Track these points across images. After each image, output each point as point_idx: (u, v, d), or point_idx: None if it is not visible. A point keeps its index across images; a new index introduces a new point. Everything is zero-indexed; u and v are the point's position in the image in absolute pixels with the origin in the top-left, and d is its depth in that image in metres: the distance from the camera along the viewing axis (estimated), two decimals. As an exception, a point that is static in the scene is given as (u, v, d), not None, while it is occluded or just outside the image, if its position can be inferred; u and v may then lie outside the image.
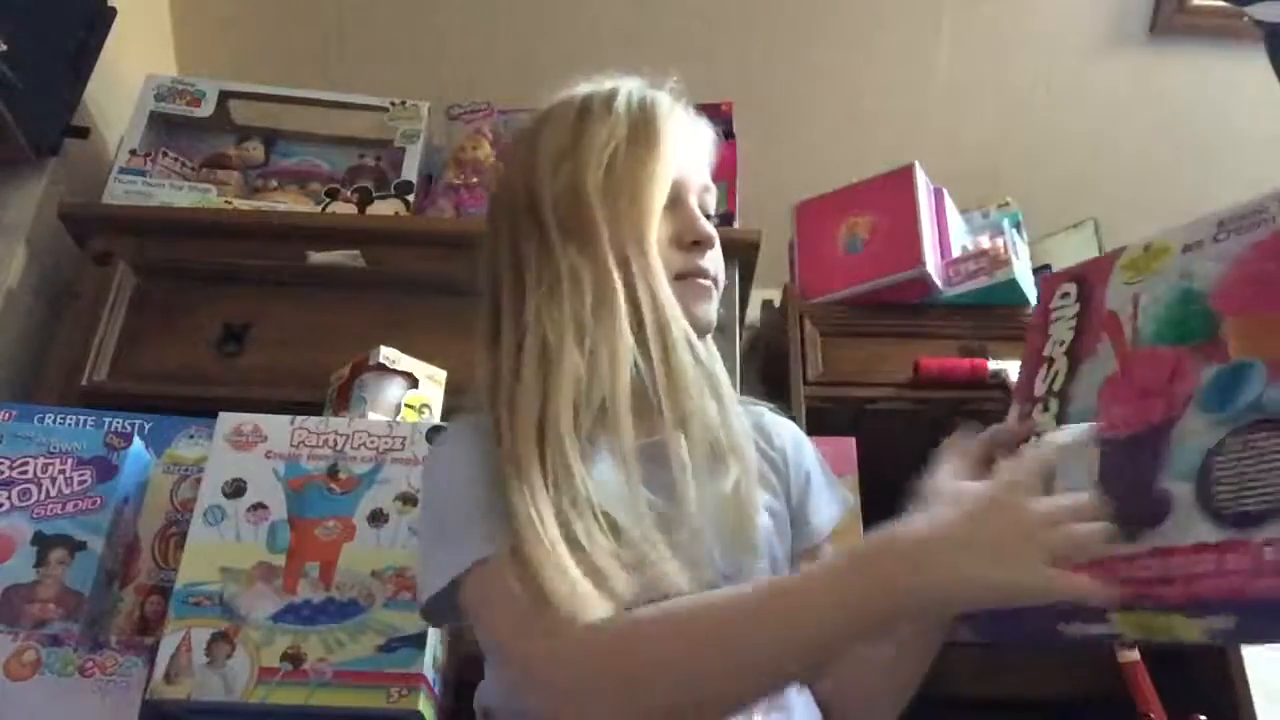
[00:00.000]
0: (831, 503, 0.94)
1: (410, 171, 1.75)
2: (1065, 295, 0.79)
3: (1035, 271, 1.80)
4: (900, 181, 1.72)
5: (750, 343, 1.87)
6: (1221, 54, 2.19)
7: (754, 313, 1.88)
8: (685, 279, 0.90)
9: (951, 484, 0.71)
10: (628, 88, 0.95)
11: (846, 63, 2.24)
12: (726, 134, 1.80)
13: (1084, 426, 0.71)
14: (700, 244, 0.91)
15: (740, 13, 2.18)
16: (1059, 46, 2.23)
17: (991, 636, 0.70)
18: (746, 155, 1.78)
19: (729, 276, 1.55)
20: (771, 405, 0.99)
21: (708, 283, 0.92)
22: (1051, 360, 0.77)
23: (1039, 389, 0.76)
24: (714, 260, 0.93)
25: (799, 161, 2.14)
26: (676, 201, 0.91)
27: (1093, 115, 2.29)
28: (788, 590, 0.71)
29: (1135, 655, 1.32)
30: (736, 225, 1.67)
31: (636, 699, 0.68)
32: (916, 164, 1.73)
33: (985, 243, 1.71)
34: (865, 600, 0.65)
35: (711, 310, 0.92)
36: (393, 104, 1.82)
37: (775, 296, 1.83)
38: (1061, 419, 0.73)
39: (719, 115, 1.81)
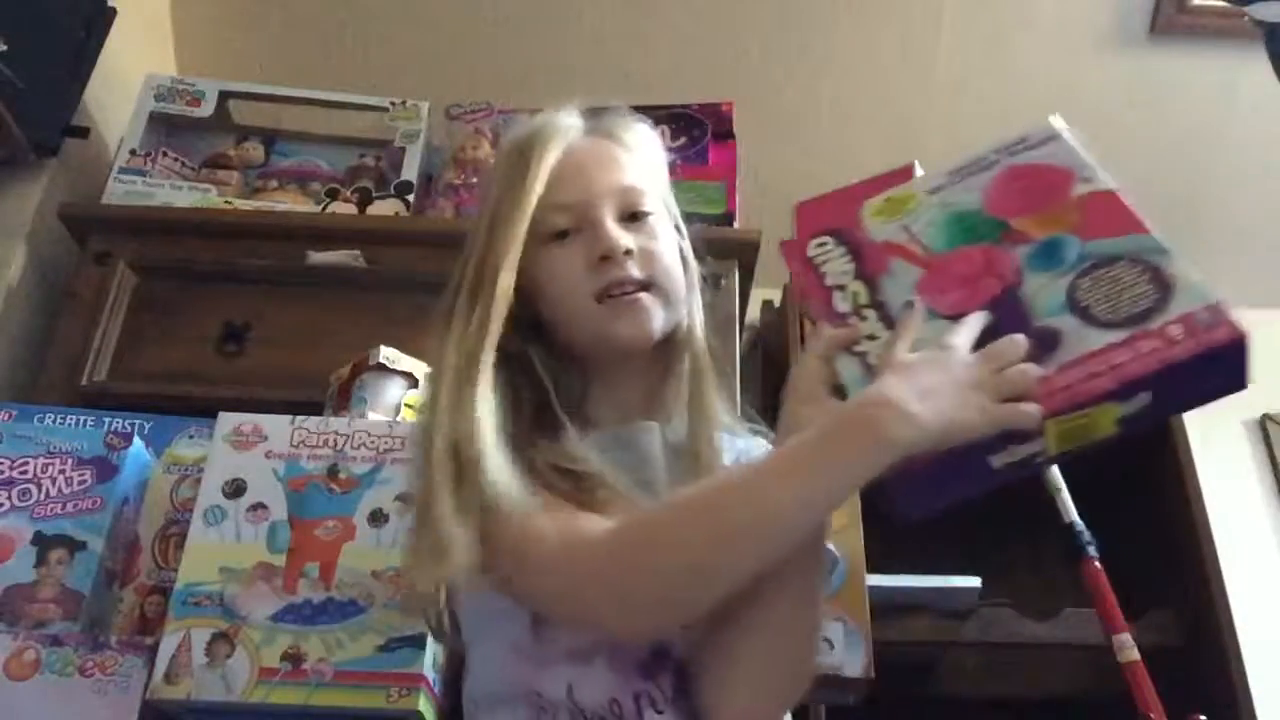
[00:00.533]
0: None
1: (410, 171, 1.75)
2: (822, 245, 0.86)
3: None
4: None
5: (750, 343, 1.87)
6: (1221, 54, 2.19)
7: (754, 313, 1.88)
8: (604, 300, 0.90)
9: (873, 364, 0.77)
10: (515, 132, 1.02)
11: (846, 62, 2.24)
12: (726, 134, 1.80)
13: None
14: (608, 258, 0.90)
15: (740, 12, 2.18)
16: (1059, 46, 2.23)
17: (919, 507, 0.74)
18: (746, 155, 1.78)
19: (728, 276, 1.55)
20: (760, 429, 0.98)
21: (632, 295, 0.90)
22: (840, 287, 0.82)
23: (842, 307, 0.81)
24: (641, 265, 0.91)
25: (799, 161, 2.14)
26: (583, 222, 0.92)
27: (1093, 115, 2.28)
28: (763, 468, 0.77)
29: (1135, 655, 1.32)
30: (736, 225, 1.67)
31: (655, 580, 0.75)
32: (916, 164, 1.73)
33: (985, 243, 1.70)
34: (839, 464, 0.72)
35: (642, 323, 0.90)
36: (393, 104, 1.82)
37: (775, 296, 1.83)
38: (886, 319, 0.79)
39: (719, 115, 1.81)
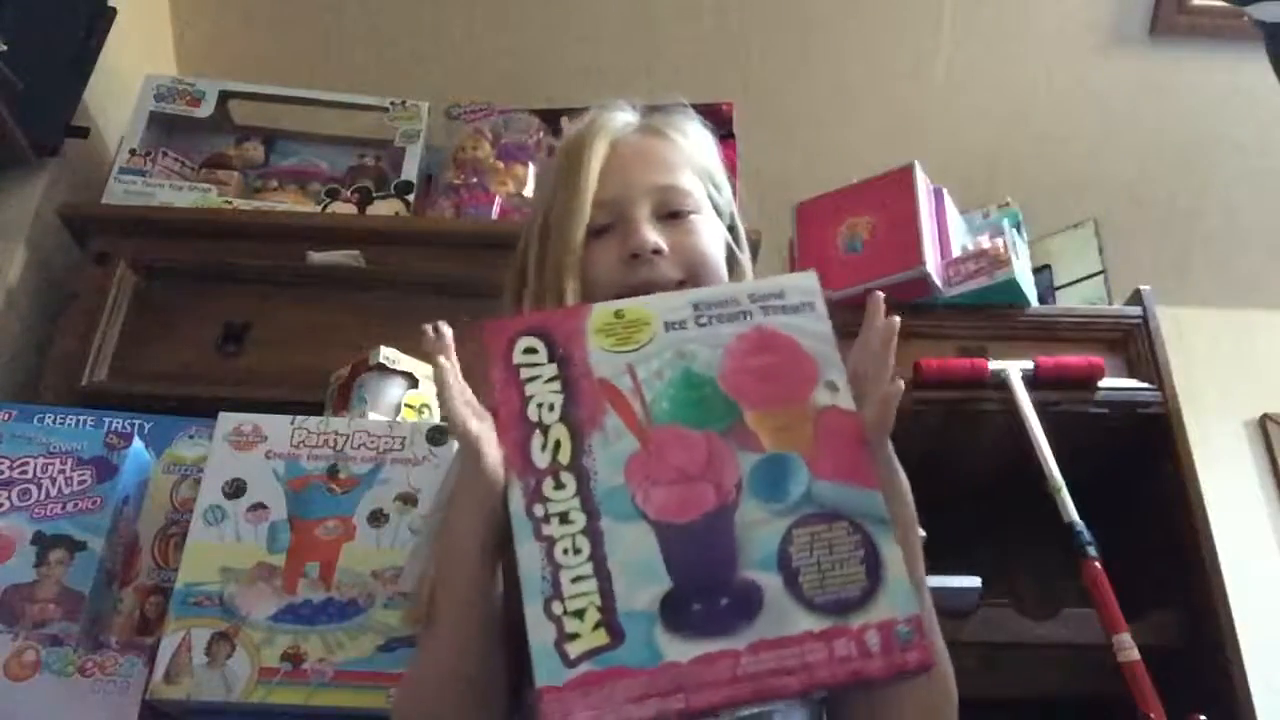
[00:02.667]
0: None
1: (410, 171, 1.75)
2: (531, 350, 0.76)
3: (1035, 272, 1.80)
4: (900, 181, 1.72)
5: (750, 343, 1.87)
6: (1221, 54, 2.20)
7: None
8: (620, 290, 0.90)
9: None
10: (570, 129, 1.03)
11: (847, 63, 2.24)
12: (726, 134, 1.80)
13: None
14: (639, 256, 0.91)
15: (740, 13, 2.19)
16: (1059, 46, 2.23)
17: None
18: (746, 155, 1.78)
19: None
20: None
21: (658, 279, 0.91)
22: (544, 426, 0.74)
23: (540, 460, 0.73)
24: (675, 263, 0.92)
25: (799, 161, 2.14)
26: (618, 219, 0.93)
27: (1093, 115, 2.29)
28: None
29: (1135, 655, 1.32)
30: (736, 225, 1.67)
31: None
32: (916, 164, 1.73)
33: (985, 243, 1.70)
34: None
35: None
36: (393, 104, 1.82)
37: (775, 296, 1.83)
38: (586, 498, 0.71)
39: (719, 115, 1.81)
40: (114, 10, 1.70)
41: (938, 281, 1.65)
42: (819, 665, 0.67)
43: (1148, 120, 2.29)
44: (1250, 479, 2.29)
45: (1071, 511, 1.43)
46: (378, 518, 1.12)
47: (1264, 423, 2.34)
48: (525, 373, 0.76)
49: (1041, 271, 1.86)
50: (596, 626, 0.68)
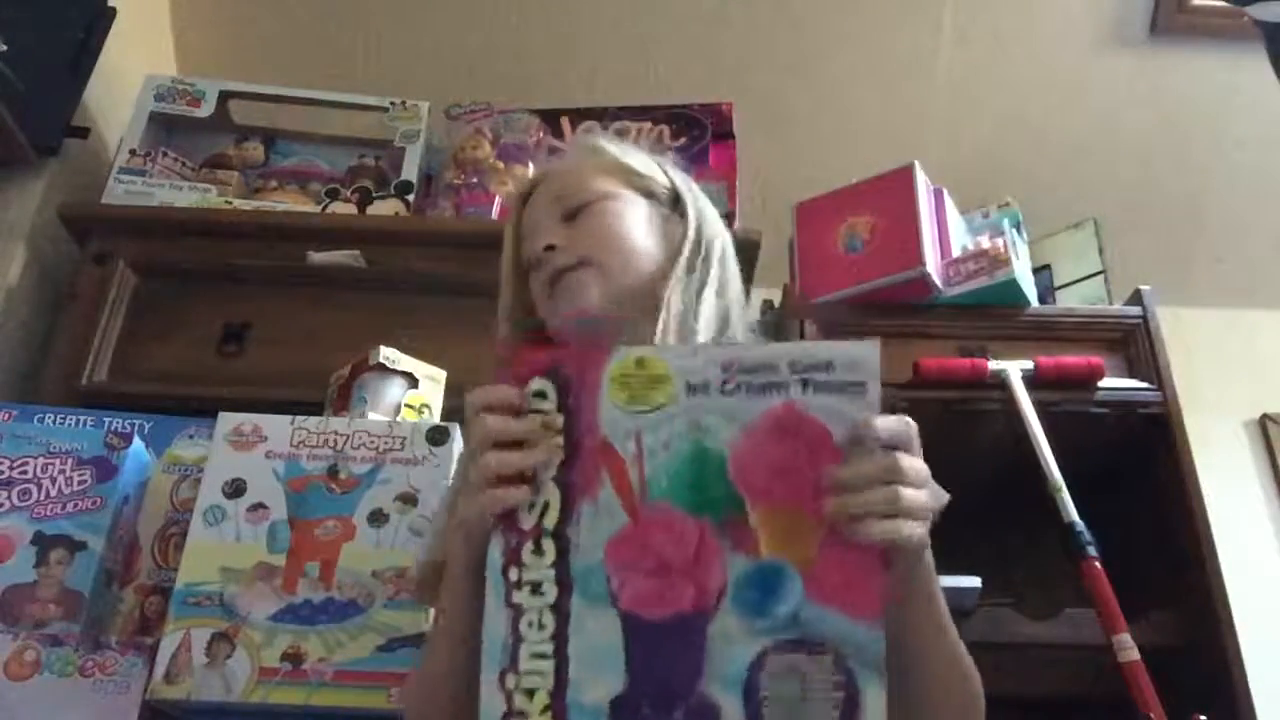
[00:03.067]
0: None
1: (410, 171, 1.75)
2: (541, 396, 0.71)
3: (1035, 272, 1.80)
4: (900, 181, 1.72)
5: (750, 343, 1.87)
6: (1221, 54, 2.19)
7: (754, 313, 1.87)
8: (550, 296, 0.97)
9: None
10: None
11: (847, 63, 2.24)
12: (726, 134, 1.80)
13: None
14: (536, 266, 0.98)
15: (740, 13, 2.18)
16: (1059, 46, 2.23)
17: None
18: (746, 155, 1.78)
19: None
20: None
21: (559, 278, 0.96)
22: (538, 483, 0.69)
23: (525, 521, 0.69)
24: (572, 249, 0.96)
25: (799, 161, 2.14)
26: (532, 249, 1.00)
27: (1093, 115, 2.29)
28: None
29: (1135, 655, 1.32)
30: (736, 225, 1.67)
31: None
32: (916, 164, 1.73)
33: (985, 243, 1.71)
34: None
35: (574, 298, 0.95)
36: (393, 104, 1.82)
37: (775, 296, 1.83)
38: (561, 571, 0.68)
39: (719, 115, 1.81)
40: (114, 10, 1.70)
41: (938, 281, 1.65)
42: None
43: (1148, 120, 2.29)
44: (1250, 479, 2.29)
45: (1071, 511, 1.43)
46: (378, 518, 1.12)
47: (1264, 423, 2.34)
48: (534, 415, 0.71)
49: (1041, 271, 1.86)
50: (544, 710, 0.66)
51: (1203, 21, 2.16)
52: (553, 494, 0.69)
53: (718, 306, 0.97)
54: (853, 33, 2.21)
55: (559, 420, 0.70)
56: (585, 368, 0.71)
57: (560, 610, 0.67)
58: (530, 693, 0.66)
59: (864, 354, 0.70)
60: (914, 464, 0.70)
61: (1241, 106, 2.26)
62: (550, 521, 0.69)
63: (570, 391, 0.71)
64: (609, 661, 0.66)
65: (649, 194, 1.03)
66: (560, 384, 0.71)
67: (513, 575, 0.68)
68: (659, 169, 1.06)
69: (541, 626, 0.67)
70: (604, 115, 1.89)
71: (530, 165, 1.76)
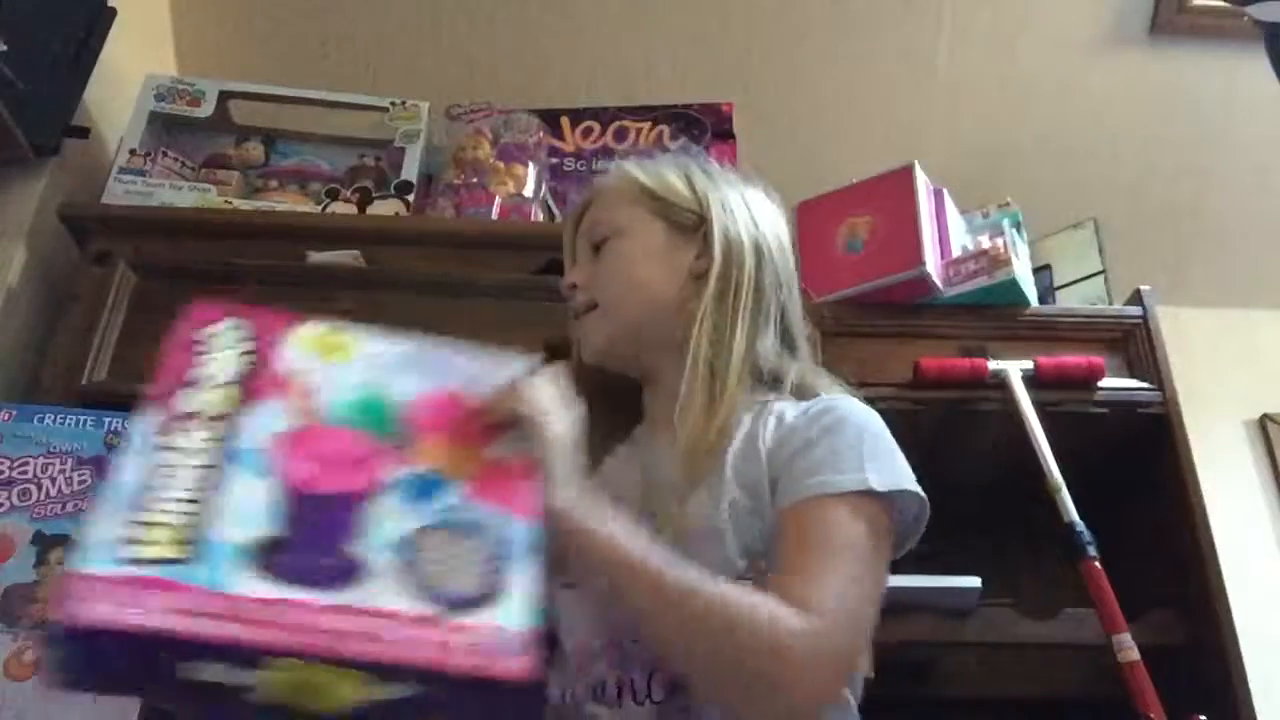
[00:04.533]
0: (805, 477, 0.88)
1: (410, 171, 1.75)
2: (238, 329, 0.79)
3: (1035, 272, 1.80)
4: (900, 181, 1.72)
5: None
6: (1221, 54, 2.19)
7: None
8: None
9: None
10: None
11: (847, 63, 2.24)
12: (726, 134, 1.80)
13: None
14: (565, 296, 1.04)
15: (741, 12, 2.18)
16: (1059, 46, 2.23)
17: (67, 670, 0.63)
18: (746, 155, 1.78)
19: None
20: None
21: (579, 318, 1.02)
22: (215, 383, 0.75)
23: (188, 406, 0.73)
24: (587, 291, 1.02)
25: (799, 161, 2.14)
26: None
27: (1093, 115, 2.29)
28: None
29: (1135, 655, 1.32)
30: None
31: None
32: (916, 164, 1.73)
33: (985, 243, 1.71)
34: None
35: (584, 337, 1.02)
36: (393, 104, 1.82)
37: (775, 296, 1.83)
38: (221, 443, 0.71)
39: (719, 115, 1.81)
40: (114, 10, 1.70)
41: (938, 281, 1.65)
42: (398, 643, 0.64)
43: (1148, 120, 2.29)
44: (1250, 479, 2.29)
45: (1071, 511, 1.43)
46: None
47: (1264, 423, 2.34)
48: (216, 343, 0.79)
49: (1041, 271, 1.86)
50: (172, 542, 0.65)
51: (1203, 21, 2.16)
52: (231, 393, 0.75)
53: (753, 350, 0.97)
54: (853, 33, 2.21)
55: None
56: (274, 321, 0.80)
57: (210, 472, 0.69)
58: (152, 526, 0.66)
59: (516, 371, 0.83)
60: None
61: (1241, 106, 2.25)
62: (218, 409, 0.73)
63: (257, 335, 0.79)
64: (254, 516, 0.68)
65: (667, 216, 1.03)
66: (249, 331, 0.80)
67: (163, 441, 0.71)
68: (683, 187, 1.04)
69: (185, 481, 0.69)
70: (604, 115, 1.89)
71: (530, 166, 1.76)
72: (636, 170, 1.07)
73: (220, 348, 0.78)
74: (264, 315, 0.81)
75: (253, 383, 0.75)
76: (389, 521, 0.70)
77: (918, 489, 0.89)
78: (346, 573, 0.67)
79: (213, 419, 0.72)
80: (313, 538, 0.68)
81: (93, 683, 0.68)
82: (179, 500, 0.67)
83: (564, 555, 0.79)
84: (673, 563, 0.79)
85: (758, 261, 1.01)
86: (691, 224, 1.02)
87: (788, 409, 0.94)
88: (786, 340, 1.02)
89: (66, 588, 0.61)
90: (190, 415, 0.72)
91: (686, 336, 0.96)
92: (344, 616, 0.64)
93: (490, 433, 0.79)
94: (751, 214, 1.04)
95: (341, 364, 0.79)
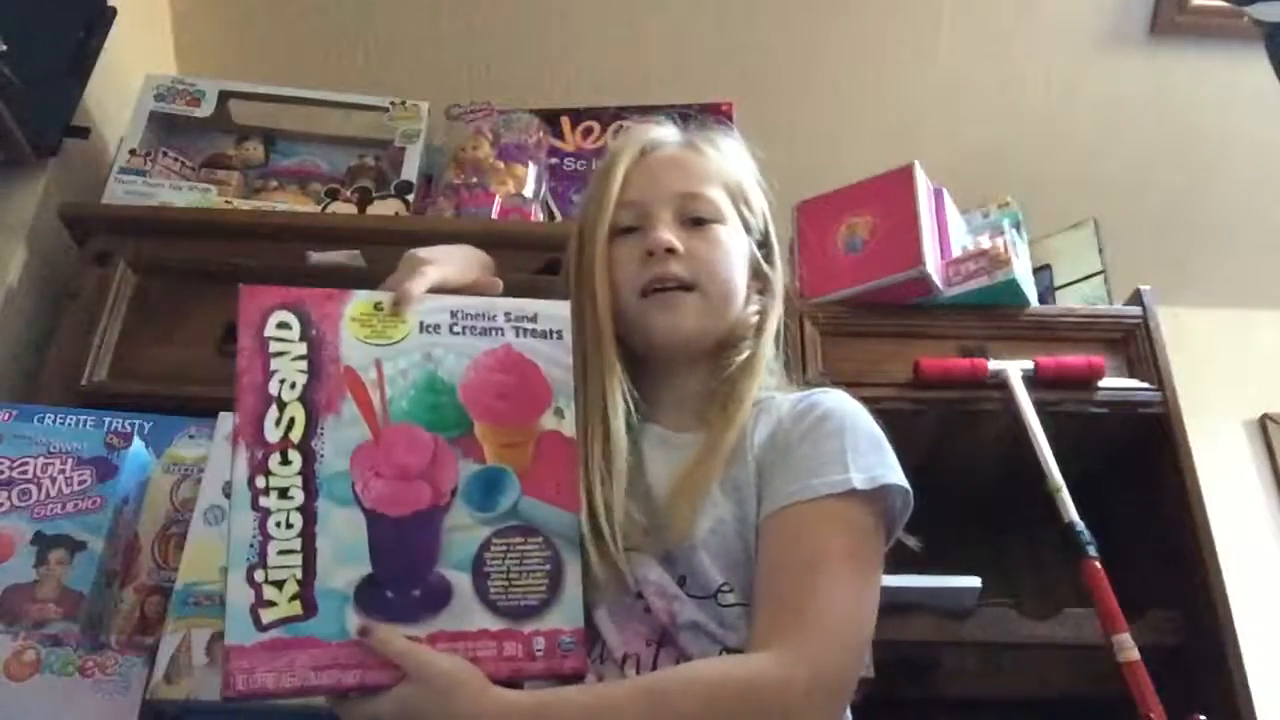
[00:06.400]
0: (785, 485, 0.87)
1: (410, 171, 1.75)
2: (284, 326, 0.80)
3: (1035, 272, 1.80)
4: (900, 181, 1.72)
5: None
6: (1221, 54, 2.20)
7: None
8: (647, 295, 0.96)
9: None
10: (614, 142, 1.13)
11: (847, 62, 2.24)
12: (726, 134, 1.80)
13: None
14: (653, 254, 0.96)
15: (741, 12, 2.18)
16: (1059, 46, 2.23)
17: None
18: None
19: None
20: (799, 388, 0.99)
21: (671, 291, 0.96)
22: (281, 402, 0.78)
23: (272, 434, 0.77)
24: (687, 265, 0.96)
25: (799, 161, 2.14)
26: (643, 220, 0.99)
27: (1093, 115, 2.29)
28: None
29: (1135, 655, 1.32)
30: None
31: None
32: (916, 164, 1.73)
33: (985, 243, 1.70)
34: None
35: (676, 319, 0.96)
36: (393, 104, 1.82)
37: (775, 296, 1.83)
38: (308, 477, 0.77)
39: (719, 115, 1.81)
40: (114, 10, 1.70)
41: (938, 281, 1.65)
42: (487, 660, 0.76)
43: (1148, 120, 2.29)
44: (1250, 479, 2.29)
45: (1071, 511, 1.43)
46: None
47: (1264, 423, 2.34)
48: (274, 347, 0.79)
49: (1041, 271, 1.86)
50: (293, 599, 0.74)
51: (1203, 21, 2.16)
52: (298, 411, 0.78)
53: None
54: (853, 33, 2.21)
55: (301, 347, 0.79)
56: (325, 303, 0.82)
57: (306, 512, 0.76)
58: (279, 584, 0.74)
59: (559, 310, 0.87)
60: None
61: (1241, 106, 2.26)
62: (296, 435, 0.77)
63: (312, 323, 0.81)
64: (355, 552, 0.76)
65: (744, 219, 1.04)
66: (301, 317, 0.81)
67: (259, 483, 0.76)
68: (762, 205, 1.07)
69: (289, 526, 0.75)
70: (604, 115, 1.89)
71: (530, 166, 1.76)
72: (743, 159, 1.08)
73: (284, 349, 0.80)
74: (316, 299, 0.82)
75: (320, 389, 0.79)
76: (460, 534, 0.78)
77: (903, 481, 0.87)
78: (436, 599, 0.77)
79: (297, 446, 0.77)
80: (403, 567, 0.77)
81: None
82: (290, 553, 0.75)
83: None
84: (609, 689, 0.80)
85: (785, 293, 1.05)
86: (758, 241, 1.05)
87: (781, 404, 0.94)
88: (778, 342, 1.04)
89: (226, 661, 0.72)
90: (276, 445, 0.77)
91: (728, 344, 0.97)
92: (440, 644, 0.75)
93: (540, 399, 0.83)
94: (774, 230, 1.07)
95: (397, 342, 0.82)
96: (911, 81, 2.26)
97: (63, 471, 1.16)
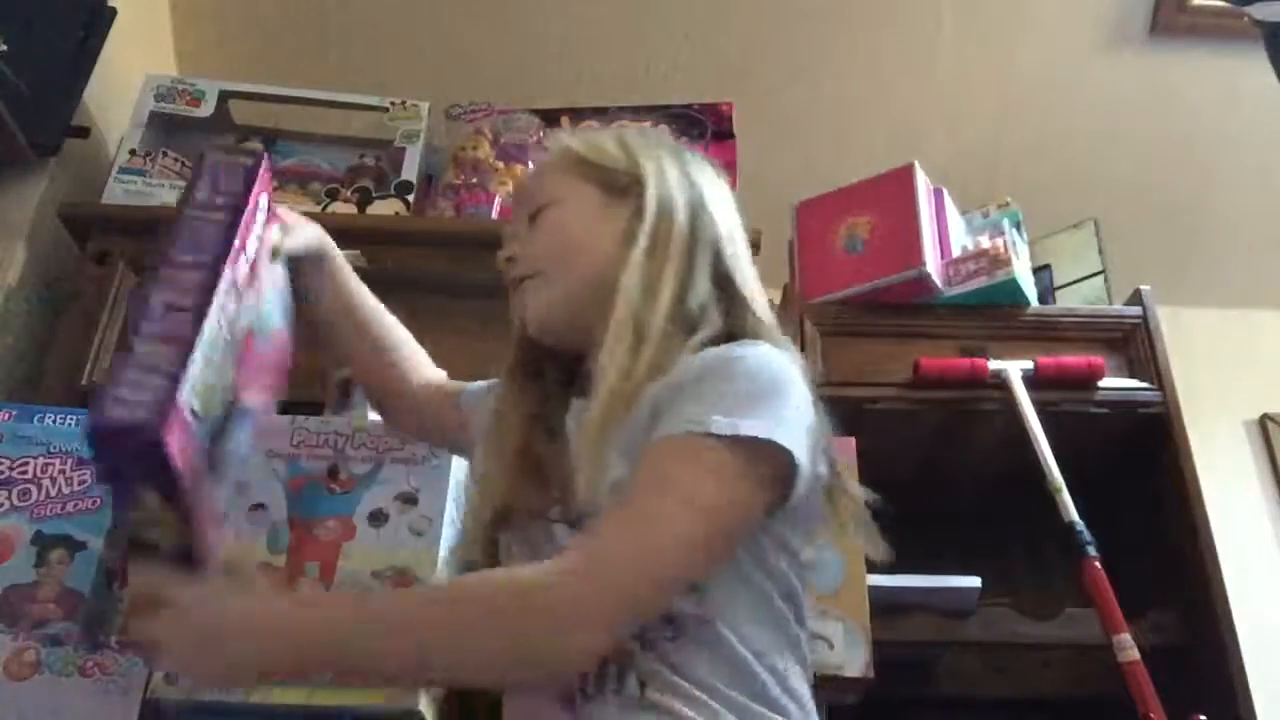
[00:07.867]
0: (662, 424, 0.82)
1: (410, 171, 1.75)
2: (259, 210, 0.93)
3: (1035, 271, 1.80)
4: (900, 181, 1.72)
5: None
6: (1221, 54, 2.19)
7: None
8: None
9: None
10: None
11: (846, 62, 2.24)
12: (726, 134, 1.80)
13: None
14: (502, 274, 1.01)
15: (741, 12, 2.19)
16: (1059, 46, 2.23)
17: None
18: (746, 155, 1.78)
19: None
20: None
21: (517, 288, 0.99)
22: (248, 250, 0.90)
23: (243, 268, 0.89)
24: (526, 260, 0.99)
25: (799, 161, 2.14)
26: None
27: (1093, 114, 2.29)
28: None
29: (1135, 655, 1.32)
30: (736, 225, 1.67)
31: None
32: (916, 164, 1.73)
33: (985, 243, 1.71)
34: None
35: (523, 306, 0.98)
36: (393, 104, 1.82)
37: (775, 296, 1.83)
38: (236, 325, 0.87)
39: (719, 115, 1.81)
40: (114, 10, 1.70)
41: (938, 281, 1.65)
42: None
43: (1148, 120, 2.29)
44: (1250, 479, 2.29)
45: (1071, 511, 1.43)
46: (378, 518, 1.12)
47: (1264, 423, 2.34)
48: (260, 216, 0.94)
49: (1041, 271, 1.86)
50: (206, 400, 0.81)
51: (1203, 21, 2.16)
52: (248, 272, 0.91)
53: (684, 302, 0.92)
54: (852, 32, 2.21)
55: None
56: (275, 214, 0.99)
57: (227, 346, 0.85)
58: (210, 387, 0.82)
59: None
60: None
61: (1241, 106, 2.25)
62: (243, 285, 0.90)
63: (268, 220, 0.97)
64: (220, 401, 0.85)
65: (602, 180, 0.99)
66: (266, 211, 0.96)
67: (230, 300, 0.86)
68: (616, 150, 1.01)
69: (224, 348, 0.85)
70: (604, 115, 1.89)
71: (530, 166, 1.76)
72: (569, 139, 1.06)
73: (259, 220, 0.92)
74: (277, 208, 0.97)
75: (255, 267, 0.90)
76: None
77: (782, 441, 0.80)
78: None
79: (240, 292, 0.86)
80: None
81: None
82: (218, 366, 0.82)
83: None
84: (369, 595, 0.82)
85: (692, 215, 0.97)
86: (626, 186, 0.98)
87: (705, 355, 0.87)
88: (727, 293, 0.96)
89: (159, 402, 0.74)
90: (243, 281, 0.87)
91: (607, 301, 0.91)
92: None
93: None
94: (687, 172, 1.01)
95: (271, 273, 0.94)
96: (911, 81, 2.26)
97: (63, 471, 1.16)
